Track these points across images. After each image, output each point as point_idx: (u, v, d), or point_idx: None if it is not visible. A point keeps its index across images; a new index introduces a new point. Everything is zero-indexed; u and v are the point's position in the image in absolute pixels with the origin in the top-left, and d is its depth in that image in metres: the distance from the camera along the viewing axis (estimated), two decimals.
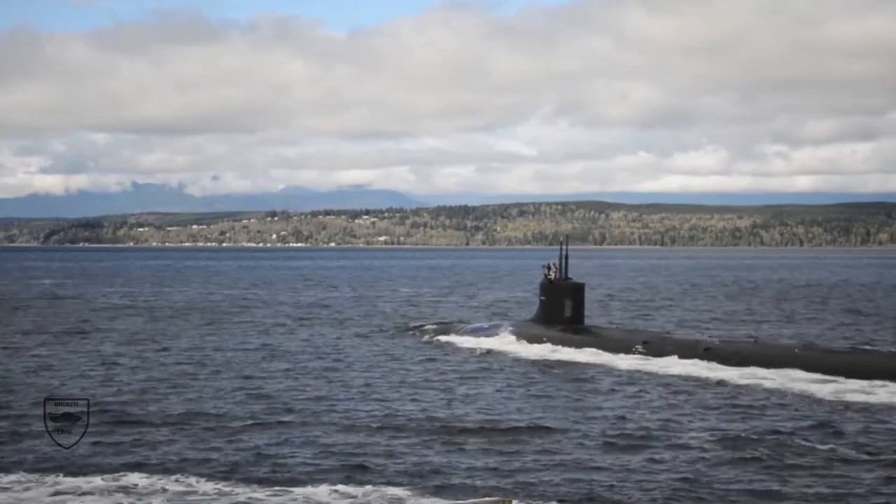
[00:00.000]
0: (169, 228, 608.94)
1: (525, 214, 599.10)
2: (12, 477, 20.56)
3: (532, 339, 42.20)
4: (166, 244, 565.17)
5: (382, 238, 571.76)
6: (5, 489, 19.77)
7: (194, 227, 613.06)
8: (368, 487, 19.93)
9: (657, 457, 22.69)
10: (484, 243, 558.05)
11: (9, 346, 44.70)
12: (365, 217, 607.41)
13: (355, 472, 21.24)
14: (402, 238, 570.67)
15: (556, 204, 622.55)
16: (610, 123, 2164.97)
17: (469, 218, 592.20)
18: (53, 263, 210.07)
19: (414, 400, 30.35)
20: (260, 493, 19.58)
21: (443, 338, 46.80)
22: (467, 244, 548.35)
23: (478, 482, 20.57)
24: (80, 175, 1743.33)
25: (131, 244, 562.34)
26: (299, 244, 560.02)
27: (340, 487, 19.91)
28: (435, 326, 51.64)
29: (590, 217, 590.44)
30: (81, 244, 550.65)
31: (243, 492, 19.62)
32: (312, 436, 24.86)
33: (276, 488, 19.91)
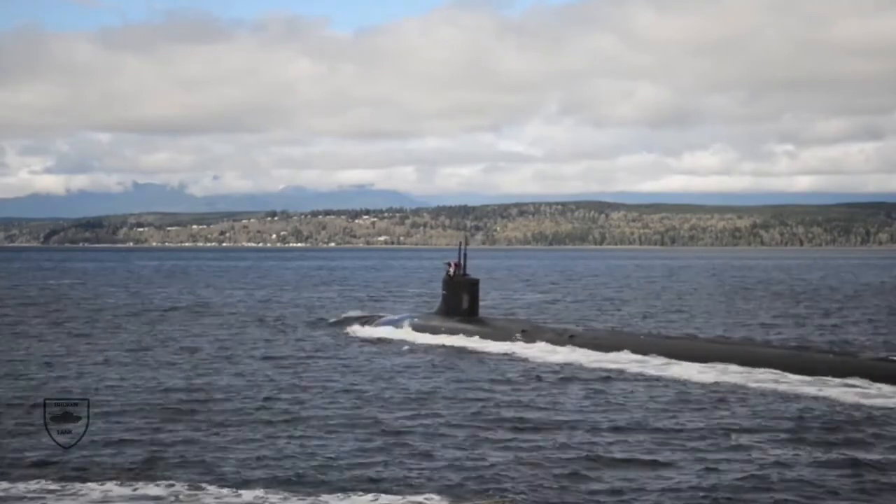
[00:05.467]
0: (169, 228, 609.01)
1: (525, 214, 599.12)
2: (33, 485, 20.05)
3: (430, 329, 46.97)
4: (166, 244, 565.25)
5: (382, 238, 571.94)
6: (32, 499, 19.22)
7: (194, 227, 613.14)
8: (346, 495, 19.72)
9: (523, 437, 24.79)
10: (484, 243, 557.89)
11: (8, 346, 44.78)
12: (365, 217, 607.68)
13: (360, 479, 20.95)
14: (401, 238, 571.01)
15: (556, 204, 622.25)
16: (616, 123, 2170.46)
17: (469, 218, 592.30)
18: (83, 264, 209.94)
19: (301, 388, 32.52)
20: (271, 498, 19.44)
21: (356, 328, 51.11)
22: (467, 244, 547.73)
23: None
24: (81, 175, 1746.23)
25: (131, 244, 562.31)
26: (299, 244, 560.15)
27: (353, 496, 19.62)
28: (356, 318, 56.07)
29: (590, 217, 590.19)
30: (81, 244, 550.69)
31: (252, 498, 19.39)
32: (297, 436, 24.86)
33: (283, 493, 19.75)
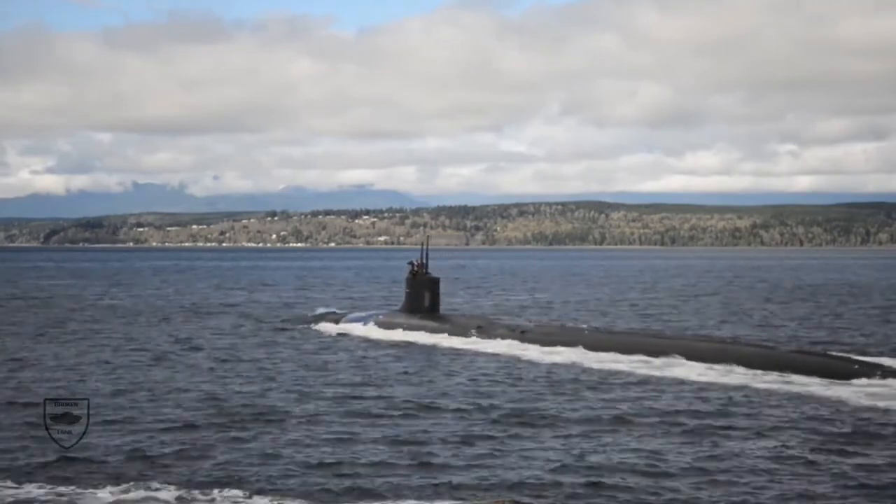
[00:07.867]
0: (169, 228, 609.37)
1: (525, 214, 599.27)
2: (33, 487, 19.77)
3: (393, 326, 48.95)
4: (166, 244, 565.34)
5: (382, 238, 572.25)
6: (32, 500, 18.94)
7: (194, 227, 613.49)
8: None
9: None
10: (484, 243, 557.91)
11: (8, 346, 44.80)
12: (365, 217, 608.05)
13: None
14: (402, 238, 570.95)
15: (556, 204, 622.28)
16: (616, 123, 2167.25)
17: (469, 218, 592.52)
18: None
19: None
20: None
21: (325, 325, 53.20)
22: (467, 244, 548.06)
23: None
24: (82, 175, 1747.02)
25: (131, 244, 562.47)
26: (299, 244, 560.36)
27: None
28: (327, 316, 57.81)
29: (590, 217, 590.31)
30: (81, 244, 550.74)
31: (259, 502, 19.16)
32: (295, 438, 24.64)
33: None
